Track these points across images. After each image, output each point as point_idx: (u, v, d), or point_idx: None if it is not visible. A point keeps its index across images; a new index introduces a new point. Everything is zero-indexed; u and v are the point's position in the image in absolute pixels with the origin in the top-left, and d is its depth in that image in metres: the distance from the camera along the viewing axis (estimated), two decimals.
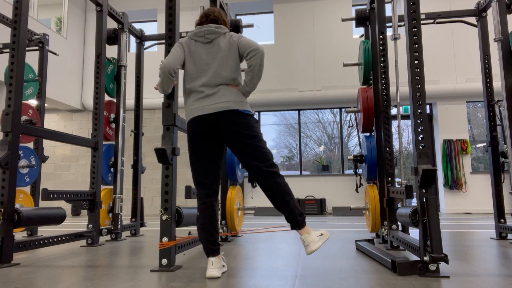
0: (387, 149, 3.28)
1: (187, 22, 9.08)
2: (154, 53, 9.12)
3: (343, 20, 4.00)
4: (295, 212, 2.20)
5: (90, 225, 3.65)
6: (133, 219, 4.50)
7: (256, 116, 9.03)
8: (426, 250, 2.19)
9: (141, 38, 4.82)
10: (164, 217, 2.47)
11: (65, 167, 9.32)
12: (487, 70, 3.98)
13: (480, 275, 2.17)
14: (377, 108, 3.41)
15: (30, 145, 4.79)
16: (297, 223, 2.20)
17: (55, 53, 5.00)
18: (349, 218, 6.88)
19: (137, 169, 4.60)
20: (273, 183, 2.21)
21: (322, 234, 2.22)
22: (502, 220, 3.76)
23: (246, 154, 2.25)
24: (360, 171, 3.80)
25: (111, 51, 4.78)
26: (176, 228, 2.59)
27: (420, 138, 2.36)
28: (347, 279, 2.10)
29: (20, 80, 2.89)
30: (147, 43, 4.93)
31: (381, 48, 3.42)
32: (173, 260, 2.47)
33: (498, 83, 6.75)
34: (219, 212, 3.74)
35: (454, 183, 8.03)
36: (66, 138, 3.53)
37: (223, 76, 2.29)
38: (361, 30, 4.10)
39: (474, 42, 8.10)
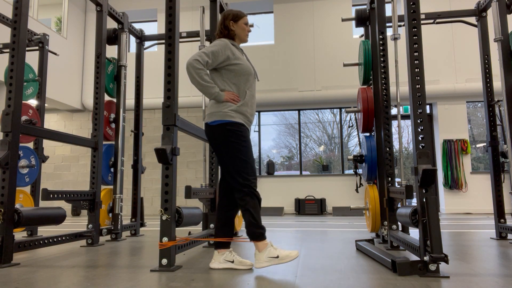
0: (387, 149, 3.28)
1: (187, 22, 9.12)
2: (154, 53, 9.12)
3: (343, 20, 4.00)
4: (251, 226, 2.35)
5: (90, 225, 3.65)
6: (133, 219, 4.50)
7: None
8: (426, 250, 2.19)
9: (141, 38, 4.82)
10: (164, 217, 2.47)
11: (65, 167, 9.32)
12: (487, 70, 3.98)
13: (480, 275, 2.17)
14: (377, 108, 3.42)
15: (30, 145, 4.80)
16: (250, 236, 2.36)
17: (55, 53, 5.00)
18: (349, 218, 6.88)
19: (137, 169, 4.60)
20: (238, 199, 2.38)
21: (277, 257, 2.29)
22: (502, 220, 3.76)
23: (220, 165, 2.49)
24: (360, 171, 3.80)
25: (111, 51, 4.79)
26: (176, 228, 2.59)
27: (420, 138, 2.37)
28: (347, 279, 2.10)
29: (20, 80, 2.89)
30: (147, 43, 4.93)
31: (381, 48, 3.43)
32: (173, 260, 2.47)
33: (498, 83, 6.80)
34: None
35: (454, 183, 8.03)
36: (66, 138, 3.53)
37: None
38: (361, 30, 4.10)
39: (474, 42, 8.15)
